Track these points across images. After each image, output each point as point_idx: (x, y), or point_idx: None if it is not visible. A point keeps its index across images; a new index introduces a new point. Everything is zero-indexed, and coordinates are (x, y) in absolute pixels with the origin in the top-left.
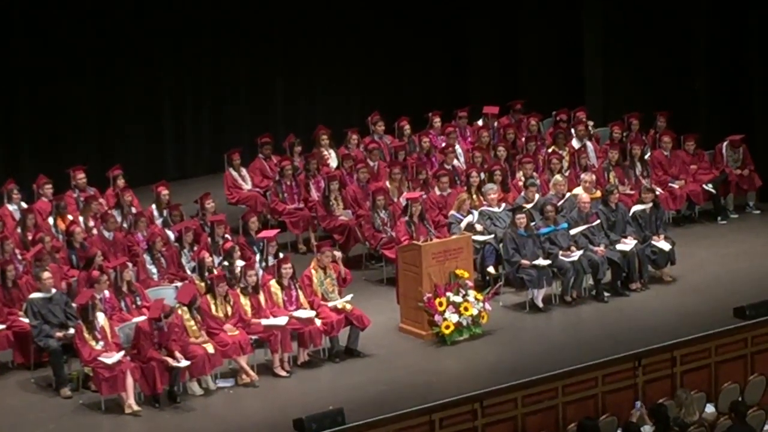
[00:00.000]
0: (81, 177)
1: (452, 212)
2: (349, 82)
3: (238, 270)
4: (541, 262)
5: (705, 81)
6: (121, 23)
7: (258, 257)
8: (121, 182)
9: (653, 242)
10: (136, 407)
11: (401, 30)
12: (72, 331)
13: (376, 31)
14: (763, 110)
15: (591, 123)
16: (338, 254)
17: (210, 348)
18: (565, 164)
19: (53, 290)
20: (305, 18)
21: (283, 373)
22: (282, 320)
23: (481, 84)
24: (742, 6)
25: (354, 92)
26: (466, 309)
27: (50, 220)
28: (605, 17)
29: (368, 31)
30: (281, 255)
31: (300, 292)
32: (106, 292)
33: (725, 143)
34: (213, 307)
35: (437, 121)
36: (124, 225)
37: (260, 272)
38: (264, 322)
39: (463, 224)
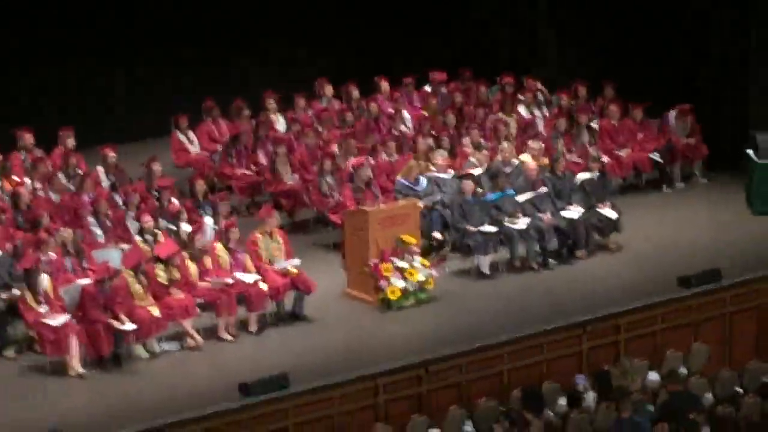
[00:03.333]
0: (29, 138)
1: (398, 178)
2: (297, 47)
3: (183, 233)
4: (488, 228)
5: (650, 50)
6: None
7: (211, 220)
8: (70, 143)
9: (599, 210)
10: (80, 370)
11: None
12: (16, 292)
13: None
14: (707, 80)
15: (539, 85)
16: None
17: (155, 311)
18: (512, 131)
19: None
20: None
21: (228, 337)
22: (227, 280)
23: (429, 50)
24: None
25: (302, 57)
26: (411, 274)
27: None
28: None
29: None
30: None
31: (246, 256)
32: (52, 254)
33: (673, 112)
34: (158, 271)
35: (385, 86)
36: (71, 187)
37: (212, 234)
38: (211, 280)
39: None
